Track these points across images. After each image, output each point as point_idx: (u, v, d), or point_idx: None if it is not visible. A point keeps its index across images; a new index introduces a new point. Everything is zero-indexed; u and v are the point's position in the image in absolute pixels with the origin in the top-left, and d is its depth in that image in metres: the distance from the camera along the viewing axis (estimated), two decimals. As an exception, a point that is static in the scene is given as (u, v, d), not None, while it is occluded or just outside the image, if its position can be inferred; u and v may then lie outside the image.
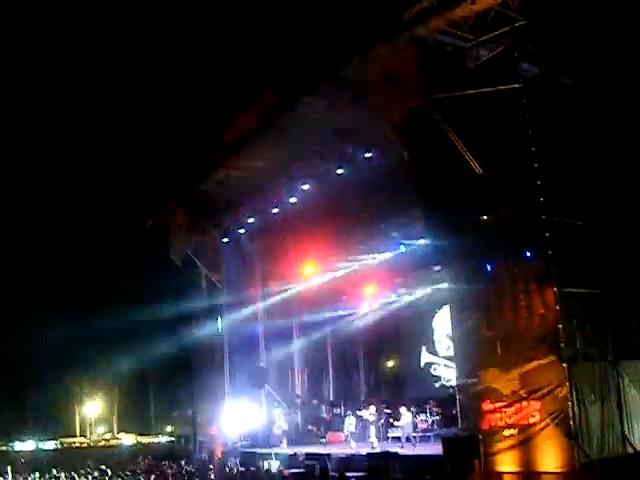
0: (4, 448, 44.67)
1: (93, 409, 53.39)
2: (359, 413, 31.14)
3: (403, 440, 27.72)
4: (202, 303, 36.81)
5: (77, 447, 46.88)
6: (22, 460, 33.93)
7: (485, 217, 20.35)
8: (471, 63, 20.88)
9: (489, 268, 20.49)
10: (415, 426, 28.88)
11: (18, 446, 44.83)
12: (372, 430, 29.00)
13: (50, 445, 45.92)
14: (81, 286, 47.24)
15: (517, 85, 19.36)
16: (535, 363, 18.89)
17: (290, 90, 25.99)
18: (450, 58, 20.84)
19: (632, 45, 20.08)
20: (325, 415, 36.33)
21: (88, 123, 44.22)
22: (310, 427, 35.14)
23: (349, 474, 21.79)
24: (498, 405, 19.71)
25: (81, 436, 51.47)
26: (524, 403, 19.06)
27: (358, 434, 30.72)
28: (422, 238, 29.02)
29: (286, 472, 24.01)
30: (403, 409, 28.73)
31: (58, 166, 45.45)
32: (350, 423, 30.49)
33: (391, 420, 30.26)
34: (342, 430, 31.49)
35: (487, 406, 20.03)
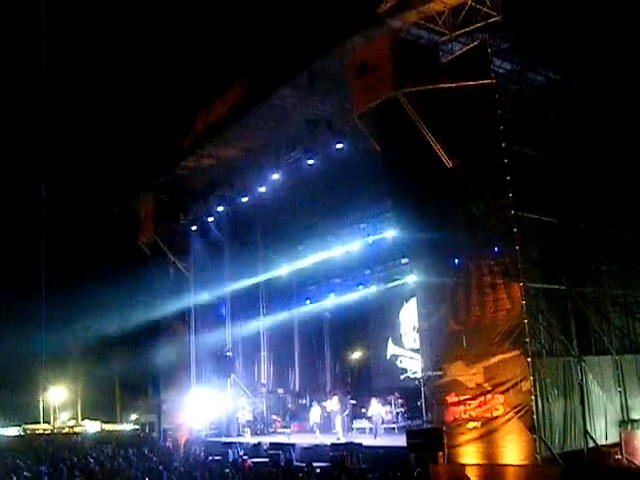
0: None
1: (57, 396, 52.96)
2: (324, 404, 31.24)
3: (375, 430, 27.95)
4: (169, 290, 36.65)
5: (40, 434, 46.50)
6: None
7: (454, 211, 20.40)
8: (444, 57, 21.00)
9: (457, 262, 20.61)
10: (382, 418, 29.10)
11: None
12: (337, 420, 29.12)
13: (13, 432, 45.55)
14: (49, 270, 46.77)
15: (490, 81, 19.47)
16: (500, 357, 19.04)
17: (263, 80, 25.94)
18: (424, 52, 20.94)
19: (605, 39, 20.27)
20: (290, 405, 36.40)
21: (60, 109, 43.70)
22: (274, 417, 35.21)
23: (313, 464, 21.80)
24: (462, 398, 19.86)
25: (45, 423, 51.11)
26: (488, 396, 19.21)
27: (323, 424, 30.84)
28: (390, 230, 29.21)
29: (249, 462, 23.97)
30: (374, 400, 29.06)
31: (28, 151, 44.93)
32: (315, 413, 30.58)
33: (363, 410, 30.44)
34: (307, 420, 31.59)
35: (452, 398, 20.18)
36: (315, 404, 31.26)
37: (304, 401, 35.42)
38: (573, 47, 20.33)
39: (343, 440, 25.99)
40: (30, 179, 46.01)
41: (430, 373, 21.56)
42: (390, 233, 29.78)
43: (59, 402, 53.23)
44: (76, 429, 47.88)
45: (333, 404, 30.20)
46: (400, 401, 30.36)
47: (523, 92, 20.70)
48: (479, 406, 19.47)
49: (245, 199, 32.69)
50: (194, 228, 35.65)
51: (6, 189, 46.40)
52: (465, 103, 19.75)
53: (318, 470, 20.90)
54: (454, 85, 19.68)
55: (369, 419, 29.54)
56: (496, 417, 18.98)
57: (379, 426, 28.24)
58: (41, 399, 52.76)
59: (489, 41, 19.81)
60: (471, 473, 18.83)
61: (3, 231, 47.75)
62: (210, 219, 34.89)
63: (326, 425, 30.76)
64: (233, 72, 28.52)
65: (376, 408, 28.75)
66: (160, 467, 22.21)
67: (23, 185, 46.41)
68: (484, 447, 19.13)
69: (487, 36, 19.82)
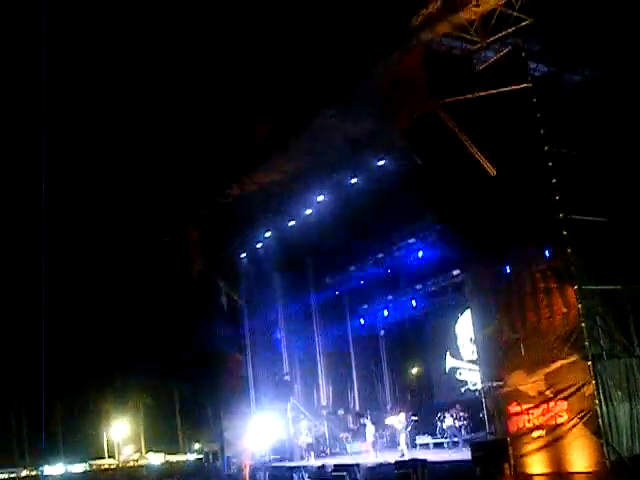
0: (34, 473, 44.89)
1: (120, 430, 53.46)
2: (387, 421, 31.04)
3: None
4: (223, 318, 36.84)
5: (106, 469, 46.96)
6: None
7: (501, 219, 20.22)
8: (479, 65, 20.91)
9: (508, 270, 20.41)
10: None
11: (47, 470, 44.96)
12: (402, 438, 28.85)
13: (79, 468, 46.02)
14: (101, 307, 47.37)
15: (526, 85, 19.34)
16: (560, 363, 18.78)
17: (302, 104, 26.07)
18: (458, 62, 20.88)
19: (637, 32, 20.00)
20: (351, 425, 36.20)
21: (105, 143, 44.34)
22: (342, 435, 35.03)
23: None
24: (525, 407, 19.62)
25: (109, 457, 51.61)
26: (551, 404, 18.95)
27: (386, 442, 30.64)
28: (439, 243, 29.05)
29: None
30: (447, 414, 29.53)
31: (73, 184, 45.64)
32: (369, 432, 30.52)
33: (438, 423, 30.44)
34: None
35: (514, 408, 19.94)
36: (368, 423, 31.14)
37: (365, 420, 35.18)
38: (606, 43, 20.06)
39: (407, 457, 25.77)
40: (83, 212, 46.67)
41: (490, 384, 21.33)
42: (439, 246, 29.62)
43: (122, 436, 53.69)
44: (140, 462, 48.20)
45: (396, 421, 29.97)
46: (462, 414, 30.04)
47: (560, 93, 20.46)
48: (542, 414, 19.20)
49: (292, 223, 32.83)
50: (243, 255, 35.84)
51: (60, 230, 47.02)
52: (503, 109, 19.63)
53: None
54: (491, 92, 19.59)
55: (443, 432, 29.65)
56: (561, 424, 18.70)
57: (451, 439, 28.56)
58: (105, 434, 53.27)
59: (522, 45, 19.71)
60: (539, 483, 18.56)
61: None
62: (258, 245, 35.06)
63: (388, 442, 30.61)
64: (272, 99, 28.72)
65: (450, 421, 29.04)
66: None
67: (76, 223, 47.07)
68: (551, 455, 18.86)
69: (520, 40, 19.70)
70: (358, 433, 34.38)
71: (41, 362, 46.65)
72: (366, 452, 30.60)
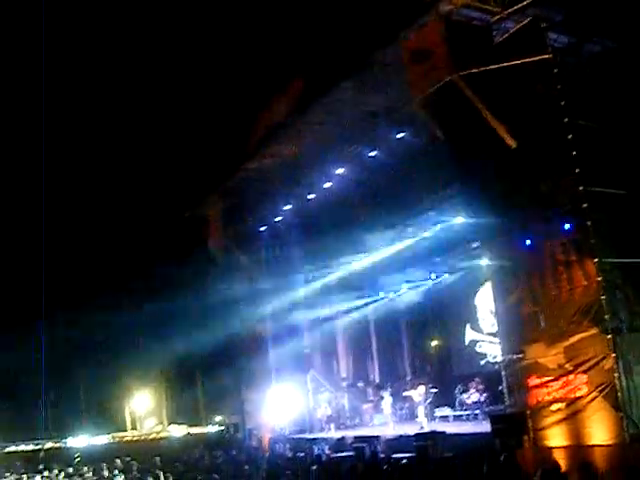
0: (58, 445, 45.44)
1: (142, 403, 53.93)
2: (405, 394, 31.21)
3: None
4: (243, 292, 37.03)
5: (129, 441, 47.42)
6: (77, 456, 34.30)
7: (522, 191, 20.11)
8: (499, 36, 20.69)
9: (528, 242, 20.29)
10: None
11: (71, 442, 45.50)
12: (420, 410, 29.03)
13: (102, 440, 46.50)
14: (123, 279, 47.61)
15: (547, 56, 19.12)
16: (580, 335, 18.69)
17: (321, 76, 25.97)
18: (477, 33, 20.67)
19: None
20: (371, 397, 36.41)
21: (123, 116, 44.35)
22: (365, 406, 35.24)
23: (398, 455, 21.77)
24: (544, 380, 19.58)
25: (132, 429, 52.12)
26: (570, 376, 18.88)
27: (404, 415, 30.80)
28: (459, 216, 28.96)
29: (333, 456, 24.07)
30: (467, 387, 30.32)
31: (95, 158, 45.76)
32: (386, 404, 30.74)
33: (464, 395, 30.65)
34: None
35: (533, 381, 19.92)
36: (386, 395, 31.30)
37: (385, 392, 35.37)
38: (627, 13, 19.75)
39: (427, 429, 25.92)
40: (102, 187, 46.85)
41: (510, 357, 21.31)
42: (459, 219, 29.54)
43: (145, 409, 54.16)
44: (163, 434, 48.60)
45: (415, 394, 30.11)
46: (482, 387, 30.14)
47: (581, 64, 20.23)
48: (562, 387, 19.16)
49: (311, 196, 32.85)
50: (263, 229, 35.93)
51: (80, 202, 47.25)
52: (523, 81, 19.44)
53: (404, 461, 20.84)
54: (511, 63, 19.38)
55: (462, 405, 30.13)
56: (580, 397, 18.64)
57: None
58: (127, 407, 53.77)
59: (542, 15, 19.47)
60: (558, 455, 18.47)
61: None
62: (278, 218, 35.12)
63: (407, 415, 30.77)
64: (291, 70, 28.63)
65: (469, 393, 29.70)
66: (246, 467, 22.45)
67: (94, 197, 47.26)
68: (570, 428, 18.83)
69: (540, 10, 19.47)
70: (378, 405, 34.59)
71: (65, 335, 47.19)
72: (384, 424, 30.83)
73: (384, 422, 31.45)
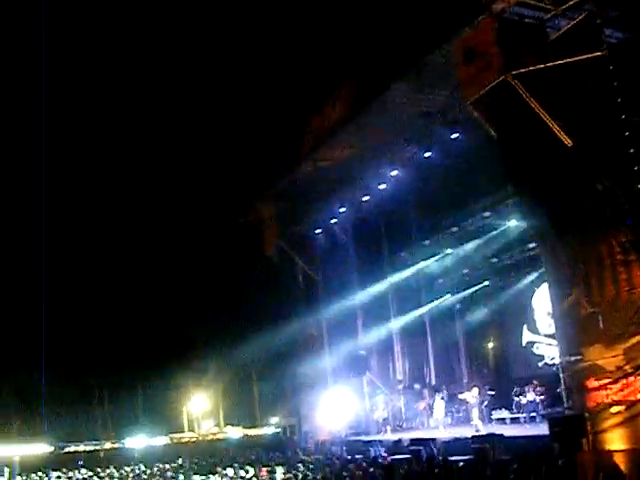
0: (116, 445, 46.20)
1: (199, 404, 54.48)
2: (461, 396, 30.98)
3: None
4: (300, 295, 37.20)
5: (186, 442, 47.97)
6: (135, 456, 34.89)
7: (578, 191, 19.82)
8: (552, 34, 20.45)
9: (586, 242, 19.99)
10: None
11: (129, 443, 46.19)
12: (475, 413, 28.80)
13: (160, 441, 47.09)
14: (180, 287, 48.20)
15: (602, 52, 18.84)
16: (639, 337, 18.36)
17: (374, 78, 25.99)
18: (530, 30, 20.47)
19: None
20: (428, 400, 36.19)
21: (174, 120, 44.83)
22: (422, 406, 35.09)
23: (455, 458, 21.61)
24: (603, 382, 19.23)
25: (189, 431, 52.69)
26: (630, 379, 18.54)
27: (461, 417, 30.58)
28: (515, 216, 28.70)
29: (390, 458, 23.97)
30: (524, 389, 29.64)
31: (145, 167, 46.33)
32: (439, 408, 30.60)
33: (515, 398, 30.29)
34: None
35: (592, 383, 19.58)
36: (437, 398, 31.13)
37: (441, 395, 35.16)
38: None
39: (483, 432, 25.68)
40: (154, 195, 47.42)
41: (568, 358, 20.96)
42: (515, 219, 29.28)
43: (202, 410, 54.69)
44: (219, 436, 49.07)
45: (469, 396, 29.88)
46: (539, 389, 29.75)
47: (637, 60, 19.88)
48: (622, 389, 18.80)
49: (366, 198, 32.86)
50: (318, 232, 36.02)
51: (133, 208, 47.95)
52: (578, 78, 19.18)
53: (461, 464, 20.69)
54: (565, 61, 19.15)
55: (520, 407, 29.71)
56: (640, 400, 18.36)
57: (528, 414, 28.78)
58: (185, 409, 54.34)
59: (597, 11, 19.19)
60: (619, 459, 18.18)
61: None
62: (333, 221, 35.18)
63: (462, 418, 30.60)
64: (343, 73, 28.70)
65: (527, 395, 29.22)
66: (302, 467, 22.50)
67: (147, 205, 47.88)
68: (630, 432, 18.45)
69: (595, 6, 19.19)
70: (433, 408, 34.43)
71: (124, 338, 47.91)
72: (436, 428, 30.73)
73: (437, 425, 31.32)
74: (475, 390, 29.83)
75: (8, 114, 41.67)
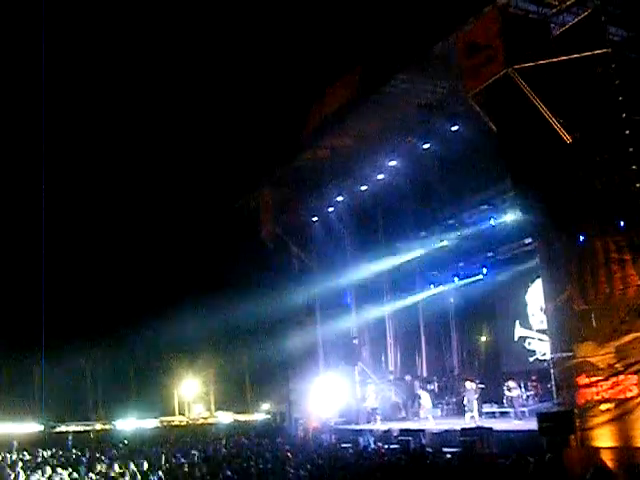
0: (107, 427, 46.33)
1: (190, 389, 54.65)
2: (467, 385, 30.94)
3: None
4: (293, 282, 37.19)
5: (176, 425, 48.10)
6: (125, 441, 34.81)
7: (576, 187, 19.82)
8: (556, 30, 20.42)
9: (582, 239, 20.00)
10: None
11: (120, 425, 46.31)
12: (475, 404, 28.87)
13: (151, 424, 47.20)
14: (172, 267, 48.30)
15: (605, 50, 18.80)
16: (631, 336, 18.37)
17: (377, 68, 25.95)
18: (534, 25, 20.46)
19: None
20: (418, 391, 36.27)
21: (175, 105, 44.81)
22: (420, 392, 35.16)
23: (443, 450, 21.69)
24: (594, 379, 19.30)
25: (180, 415, 52.85)
26: (620, 377, 18.60)
27: (452, 409, 30.62)
28: (512, 211, 28.67)
29: (382, 449, 24.02)
30: (512, 383, 29.50)
31: (146, 149, 46.33)
32: (425, 400, 30.70)
33: (506, 392, 30.27)
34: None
35: (582, 380, 19.65)
36: (422, 391, 31.20)
37: (432, 387, 35.27)
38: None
39: (473, 424, 25.76)
40: (151, 178, 47.44)
41: (559, 354, 21.02)
42: (512, 214, 29.25)
43: (193, 395, 54.87)
44: (210, 420, 49.21)
45: (473, 386, 29.87)
46: (530, 384, 29.83)
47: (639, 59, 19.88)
48: (612, 387, 18.85)
49: (364, 187, 32.81)
50: (315, 219, 35.98)
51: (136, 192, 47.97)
52: (580, 75, 19.13)
53: (448, 455, 20.76)
54: (568, 57, 19.11)
55: (509, 401, 29.62)
56: (630, 398, 18.34)
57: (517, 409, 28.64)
58: (176, 393, 54.49)
59: (601, 8, 19.14)
60: (605, 456, 18.26)
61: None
62: (330, 209, 35.14)
63: (455, 409, 30.64)
64: (346, 62, 28.66)
65: (517, 390, 29.17)
66: (290, 455, 22.49)
67: (145, 187, 47.89)
68: (618, 429, 18.52)
69: (599, 3, 19.13)
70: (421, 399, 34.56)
71: (117, 321, 47.99)
72: (425, 419, 30.82)
73: (426, 417, 31.39)
74: (468, 384, 29.90)
75: (8, 114, 41.72)
